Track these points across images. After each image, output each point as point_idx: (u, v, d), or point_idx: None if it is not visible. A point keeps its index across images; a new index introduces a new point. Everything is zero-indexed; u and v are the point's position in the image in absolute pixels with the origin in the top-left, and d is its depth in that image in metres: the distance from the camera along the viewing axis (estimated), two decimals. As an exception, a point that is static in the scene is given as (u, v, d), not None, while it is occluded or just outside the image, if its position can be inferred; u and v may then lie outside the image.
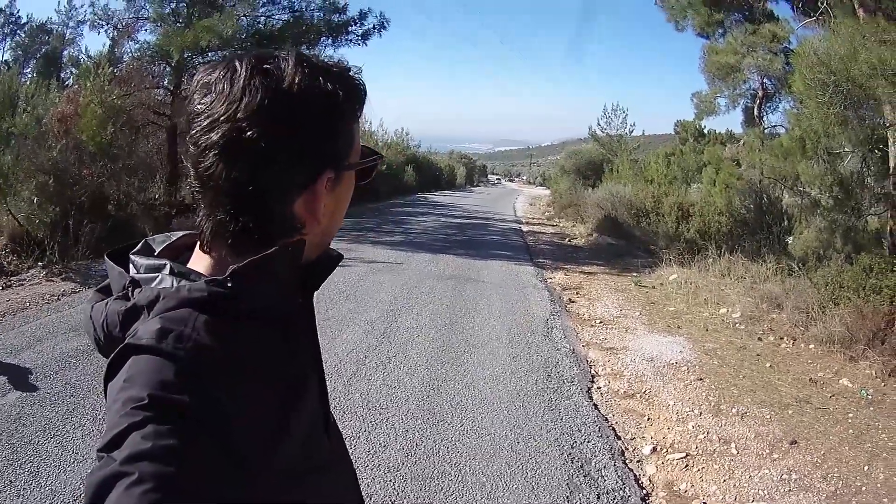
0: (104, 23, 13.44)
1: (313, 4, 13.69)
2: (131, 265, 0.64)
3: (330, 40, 13.85)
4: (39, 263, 7.25)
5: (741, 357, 4.87)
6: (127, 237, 8.67)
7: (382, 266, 8.08)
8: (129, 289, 0.61)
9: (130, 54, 13.39)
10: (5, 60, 29.44)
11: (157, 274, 0.61)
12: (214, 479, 0.48)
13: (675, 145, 15.36)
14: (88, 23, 14.13)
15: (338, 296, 6.05)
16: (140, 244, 0.68)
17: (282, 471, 0.57)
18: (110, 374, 0.54)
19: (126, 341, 0.54)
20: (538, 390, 3.89)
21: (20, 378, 3.54)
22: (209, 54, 13.05)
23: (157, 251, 0.67)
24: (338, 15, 13.79)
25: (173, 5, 13.28)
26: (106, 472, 0.45)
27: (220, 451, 0.50)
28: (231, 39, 12.10)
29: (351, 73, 0.63)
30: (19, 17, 31.68)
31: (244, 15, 12.82)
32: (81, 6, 14.86)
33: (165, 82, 13.73)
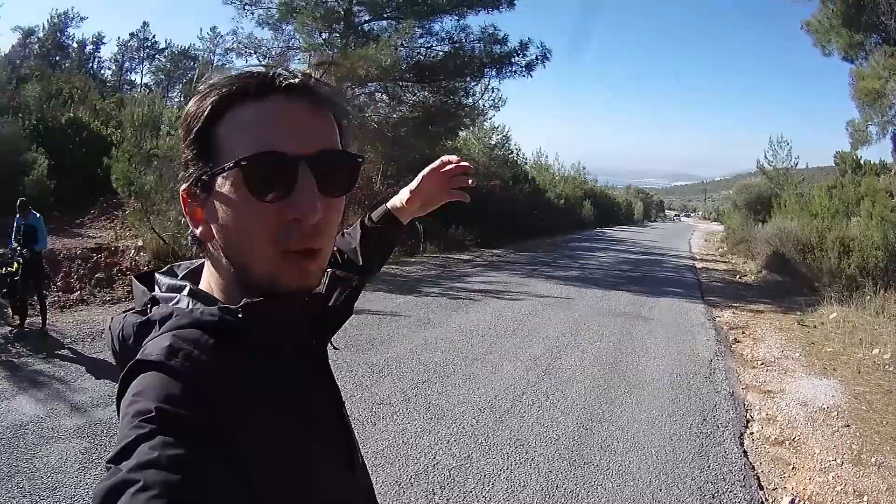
0: (251, 51, 13.91)
1: (472, 35, 13.42)
2: (156, 285, 0.67)
3: (494, 72, 13.60)
4: None
5: (887, 402, 4.68)
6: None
7: (553, 301, 8.36)
8: (149, 305, 0.63)
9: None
10: (146, 84, 32.93)
11: (176, 294, 0.63)
12: (219, 492, 0.48)
13: (836, 178, 14.06)
14: (230, 50, 14.94)
15: (504, 331, 6.42)
16: (166, 267, 0.71)
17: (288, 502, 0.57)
18: (122, 390, 0.54)
19: (136, 358, 0.55)
20: (691, 434, 3.93)
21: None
22: (369, 85, 13.18)
23: (181, 275, 0.70)
24: (498, 46, 13.46)
25: (325, 35, 13.46)
26: (113, 481, 0.46)
27: (226, 468, 0.50)
28: (391, 69, 12.07)
29: (213, 86, 0.61)
30: (156, 41, 35.08)
31: (401, 45, 12.74)
32: (227, 33, 15.84)
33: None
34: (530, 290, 9.02)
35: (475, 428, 3.81)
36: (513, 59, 13.39)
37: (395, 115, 13.80)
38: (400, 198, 1.05)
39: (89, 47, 33.55)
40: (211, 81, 0.61)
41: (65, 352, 5.07)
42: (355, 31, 13.44)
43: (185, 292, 0.63)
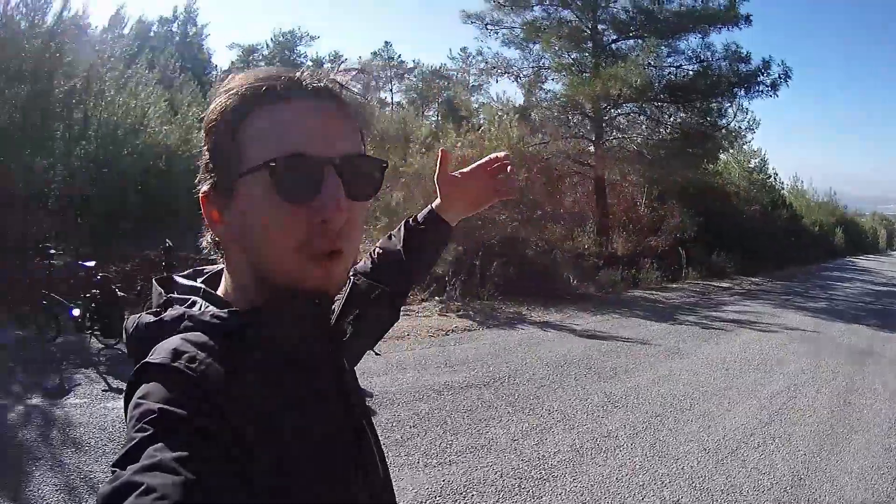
0: (501, 71, 14.38)
1: (717, 54, 13.31)
2: (174, 287, 0.67)
3: (742, 91, 13.39)
4: (437, 298, 7.25)
5: None
6: (549, 283, 9.39)
7: (799, 335, 8.06)
8: (164, 307, 0.63)
9: (538, 103, 13.99)
10: (399, 102, 32.41)
11: (190, 297, 0.64)
12: (222, 494, 0.48)
13: None
14: (484, 72, 15.19)
15: (748, 364, 6.29)
16: (189, 270, 0.72)
17: None
18: (129, 392, 0.55)
19: (143, 360, 0.55)
20: (898, 493, 3.51)
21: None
22: (624, 105, 13.46)
23: (202, 278, 0.70)
24: (742, 64, 13.25)
25: (575, 55, 13.74)
26: (117, 484, 0.46)
27: (229, 470, 0.50)
28: (644, 89, 12.23)
29: (238, 86, 0.61)
30: (402, 60, 35.32)
31: (650, 64, 12.81)
32: (474, 53, 15.68)
33: (584, 132, 14.03)
34: (781, 322, 8.79)
35: (693, 470, 3.73)
36: (758, 78, 13.14)
37: (654, 137, 13.92)
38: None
39: (326, 65, 36.88)
40: (235, 81, 0.61)
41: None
42: (604, 50, 13.56)
43: (200, 294, 0.64)
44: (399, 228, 1.01)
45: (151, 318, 0.61)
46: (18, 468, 3.25)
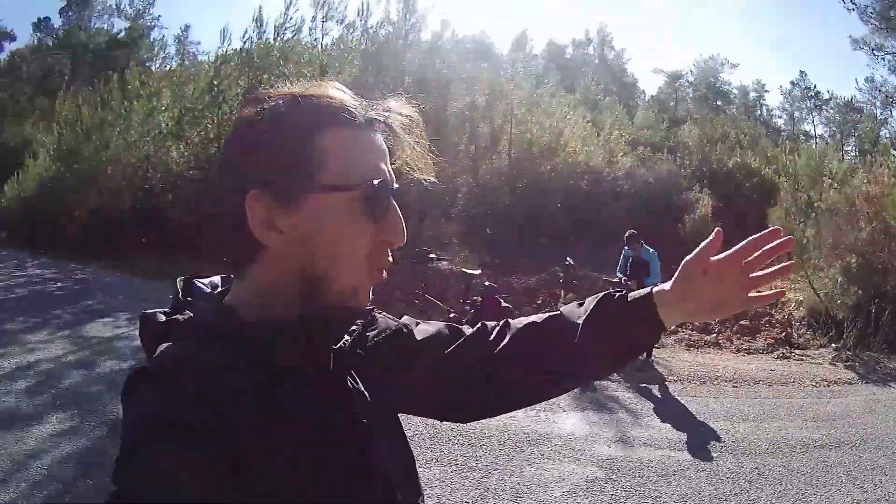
0: None
1: None
2: (193, 290, 0.67)
3: None
4: (833, 345, 6.77)
5: None
6: None
7: None
8: (179, 307, 0.63)
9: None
10: (820, 135, 29.41)
11: (203, 302, 0.64)
12: (213, 497, 0.49)
13: None
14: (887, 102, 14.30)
15: None
16: (223, 276, 0.70)
17: None
18: (125, 397, 0.55)
19: (140, 365, 0.56)
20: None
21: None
22: None
23: (225, 285, 0.69)
24: None
25: None
26: (114, 490, 0.47)
27: (222, 474, 0.50)
28: None
29: (307, 96, 0.61)
30: (818, 91, 31.29)
31: None
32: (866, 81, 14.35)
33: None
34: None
35: None
36: None
37: None
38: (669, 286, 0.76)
39: (752, 94, 32.43)
40: (299, 93, 0.62)
41: (654, 387, 5.11)
42: None
43: (213, 300, 0.65)
44: (596, 297, 0.78)
45: (161, 318, 0.61)
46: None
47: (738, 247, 0.71)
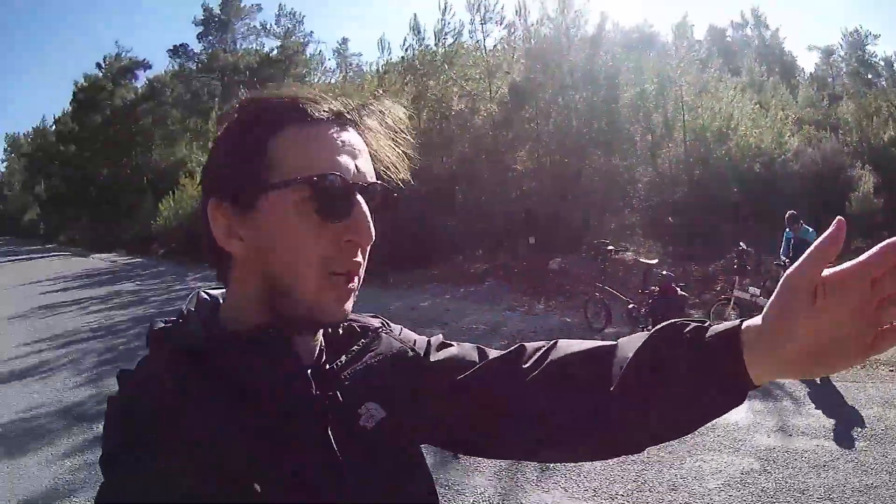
0: None
1: None
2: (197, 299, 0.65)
3: None
4: None
5: None
6: None
7: None
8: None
9: None
10: None
11: (193, 314, 0.61)
12: None
13: None
14: None
15: None
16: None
17: None
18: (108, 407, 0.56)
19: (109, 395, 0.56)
20: None
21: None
22: None
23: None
24: None
25: None
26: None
27: (180, 500, 0.48)
28: None
29: (262, 98, 0.60)
30: None
31: None
32: None
33: None
34: None
35: None
36: None
37: None
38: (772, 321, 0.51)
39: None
40: (265, 96, 0.61)
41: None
42: None
43: (204, 309, 0.62)
44: (652, 332, 0.59)
45: (161, 325, 0.60)
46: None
47: (867, 255, 0.46)
